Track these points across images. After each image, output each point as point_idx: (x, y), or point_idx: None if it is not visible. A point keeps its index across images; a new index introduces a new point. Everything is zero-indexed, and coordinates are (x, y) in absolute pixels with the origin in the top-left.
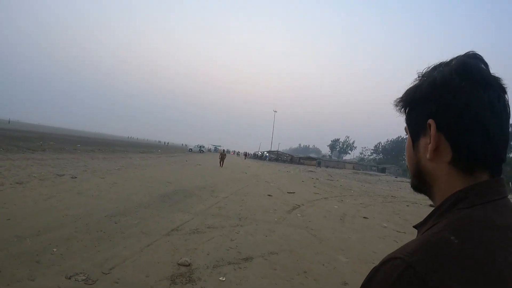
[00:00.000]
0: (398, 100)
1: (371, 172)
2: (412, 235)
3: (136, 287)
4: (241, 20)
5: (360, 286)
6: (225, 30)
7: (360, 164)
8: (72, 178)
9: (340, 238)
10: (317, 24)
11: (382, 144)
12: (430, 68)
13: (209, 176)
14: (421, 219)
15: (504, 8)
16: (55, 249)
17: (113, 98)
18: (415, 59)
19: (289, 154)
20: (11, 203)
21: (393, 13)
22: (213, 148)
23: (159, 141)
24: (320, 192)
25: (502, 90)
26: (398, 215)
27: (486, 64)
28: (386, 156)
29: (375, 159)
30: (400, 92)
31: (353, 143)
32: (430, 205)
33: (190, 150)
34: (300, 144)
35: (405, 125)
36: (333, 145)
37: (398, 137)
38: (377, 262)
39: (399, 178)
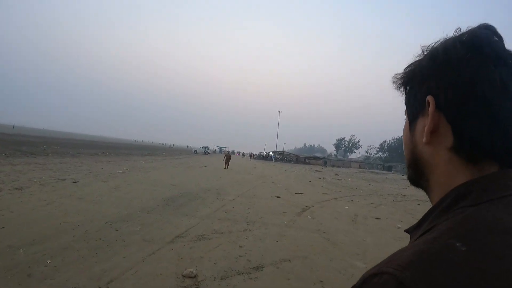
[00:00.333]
0: (396, 77)
1: (378, 171)
2: None
3: None
4: (245, 19)
5: None
6: (229, 30)
7: (366, 163)
8: (73, 182)
9: (355, 242)
10: (321, 21)
11: (388, 142)
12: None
13: (215, 178)
14: None
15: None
16: (49, 261)
17: (118, 101)
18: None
19: (294, 154)
20: (8, 210)
21: (401, 5)
22: (218, 149)
23: (164, 144)
24: (328, 192)
25: None
26: (411, 215)
27: (500, 37)
28: (392, 154)
29: (381, 157)
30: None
31: (358, 141)
32: None
33: (195, 152)
34: (305, 144)
35: (404, 107)
36: (339, 144)
37: None
38: None
39: (405, 176)
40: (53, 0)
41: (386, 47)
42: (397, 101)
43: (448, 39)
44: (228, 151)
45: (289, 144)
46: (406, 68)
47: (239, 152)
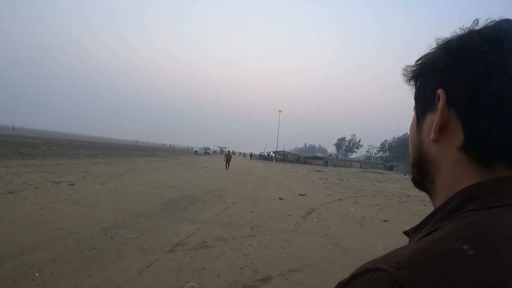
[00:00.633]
0: (407, 69)
1: (379, 171)
2: None
3: None
4: (245, 19)
5: None
6: (229, 30)
7: (367, 163)
8: (69, 185)
9: (365, 247)
10: (322, 20)
11: (389, 141)
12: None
13: (216, 179)
14: None
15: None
16: (37, 274)
17: (119, 102)
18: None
19: (295, 154)
20: None
21: (401, 4)
22: (218, 149)
23: (164, 144)
24: (332, 193)
25: None
26: (418, 216)
27: None
28: (393, 154)
29: (382, 157)
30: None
31: (359, 141)
32: None
33: (196, 152)
34: (305, 144)
35: (413, 103)
36: (339, 143)
37: (405, 134)
38: None
39: (408, 176)
40: (53, 0)
41: (386, 47)
42: (397, 100)
43: (465, 30)
44: (229, 151)
45: (289, 144)
46: (418, 60)
47: (240, 152)
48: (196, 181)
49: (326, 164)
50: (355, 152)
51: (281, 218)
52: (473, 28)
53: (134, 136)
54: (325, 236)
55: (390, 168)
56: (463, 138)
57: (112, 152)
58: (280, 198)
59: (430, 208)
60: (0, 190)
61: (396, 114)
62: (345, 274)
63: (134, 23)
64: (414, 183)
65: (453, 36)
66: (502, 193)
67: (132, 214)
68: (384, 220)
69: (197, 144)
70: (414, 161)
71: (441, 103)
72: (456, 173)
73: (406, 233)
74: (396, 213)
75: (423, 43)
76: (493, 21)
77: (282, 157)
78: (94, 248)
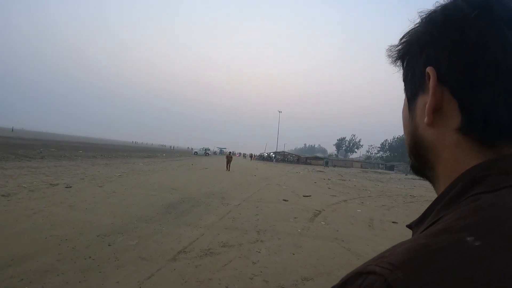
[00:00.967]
0: (391, 49)
1: (380, 170)
2: None
3: None
4: (243, 20)
5: None
6: (227, 30)
7: (368, 162)
8: (66, 188)
9: (378, 251)
10: (320, 20)
11: (389, 141)
12: None
13: (217, 181)
14: None
15: None
16: None
17: (118, 103)
18: None
19: (295, 155)
20: None
21: (401, 4)
22: (218, 150)
23: (164, 145)
24: (336, 194)
25: None
26: None
27: None
28: (393, 154)
29: (382, 157)
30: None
31: (359, 141)
32: None
33: (196, 153)
34: (305, 144)
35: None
36: (340, 144)
37: None
38: None
39: (409, 176)
40: (50, 2)
41: (386, 47)
42: (396, 100)
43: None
44: (230, 152)
45: (289, 145)
46: (402, 37)
47: (240, 153)
48: (197, 182)
49: (326, 164)
50: (355, 152)
51: (288, 221)
52: None
53: (133, 137)
54: (335, 240)
55: (391, 168)
56: (461, 118)
57: (111, 153)
58: (284, 200)
59: None
60: None
61: (396, 114)
62: None
63: (133, 24)
64: (413, 170)
65: (437, 7)
66: (510, 171)
67: (131, 218)
68: (393, 222)
69: (197, 145)
70: (410, 148)
71: (432, 82)
72: (457, 157)
73: (409, 226)
74: (404, 214)
75: None
76: None
77: (282, 157)
78: (90, 257)
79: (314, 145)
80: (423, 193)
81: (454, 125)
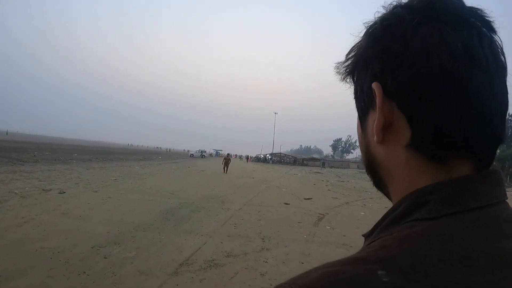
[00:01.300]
0: (339, 66)
1: None
2: None
3: None
4: (239, 22)
5: None
6: (225, 33)
7: None
8: (59, 193)
9: None
10: (320, 21)
11: None
12: None
13: (215, 184)
14: None
15: None
16: None
17: (114, 106)
18: None
19: (292, 156)
20: None
21: None
22: (214, 152)
23: (159, 148)
24: (337, 196)
25: (488, 28)
26: None
27: None
28: None
29: None
30: None
31: (355, 142)
32: None
33: (192, 156)
34: (301, 145)
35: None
36: (336, 144)
37: None
38: None
39: None
40: (45, 6)
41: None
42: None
43: (388, 8)
44: (228, 154)
45: (285, 146)
46: (348, 53)
47: (236, 155)
48: (195, 186)
49: (323, 165)
50: (351, 153)
51: (292, 226)
52: (398, 2)
53: (129, 140)
54: (343, 246)
55: None
56: (410, 134)
57: (107, 156)
58: (286, 203)
59: None
60: None
61: None
62: None
63: (128, 27)
64: (376, 187)
65: (377, 18)
66: (455, 197)
67: (128, 226)
68: None
69: (193, 147)
70: (365, 166)
71: (378, 99)
72: (407, 175)
73: (365, 235)
74: None
75: None
76: None
77: (279, 159)
78: (85, 272)
79: (310, 146)
80: None
81: (404, 142)
